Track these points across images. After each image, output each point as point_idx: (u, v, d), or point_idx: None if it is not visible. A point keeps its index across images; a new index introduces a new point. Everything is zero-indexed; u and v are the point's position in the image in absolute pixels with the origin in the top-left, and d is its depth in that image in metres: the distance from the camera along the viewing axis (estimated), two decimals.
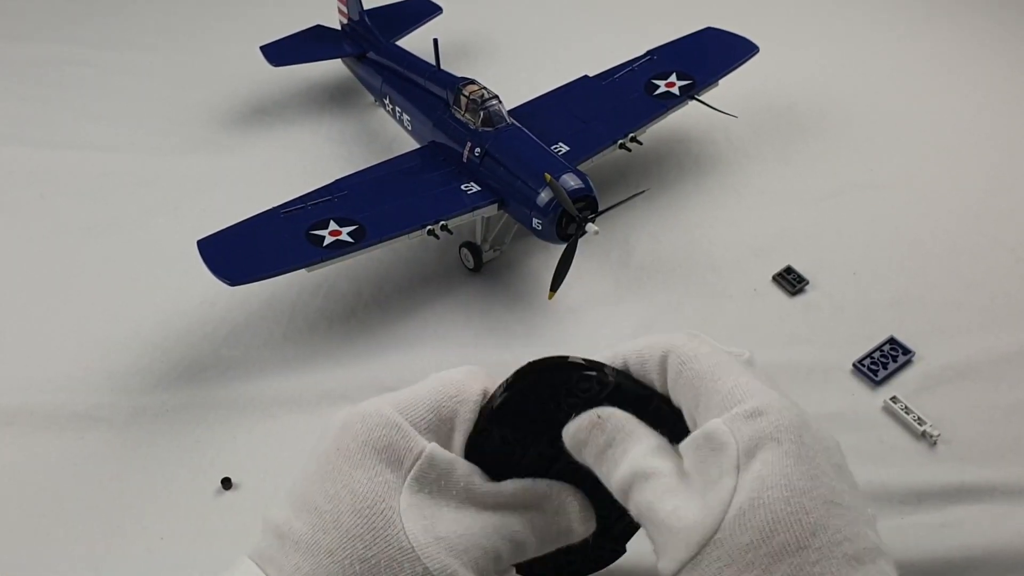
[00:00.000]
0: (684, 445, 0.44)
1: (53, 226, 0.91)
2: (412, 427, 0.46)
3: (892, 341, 0.76)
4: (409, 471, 0.45)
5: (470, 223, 0.81)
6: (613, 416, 0.46)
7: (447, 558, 0.44)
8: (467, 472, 0.47)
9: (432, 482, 0.45)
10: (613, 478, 0.45)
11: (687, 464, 0.44)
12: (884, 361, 0.74)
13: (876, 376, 0.73)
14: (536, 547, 0.48)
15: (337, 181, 0.82)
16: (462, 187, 0.81)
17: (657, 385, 0.47)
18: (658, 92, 0.92)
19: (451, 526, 0.45)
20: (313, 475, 0.46)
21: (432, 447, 0.46)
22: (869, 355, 0.75)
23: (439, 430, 0.47)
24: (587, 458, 0.47)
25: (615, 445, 0.46)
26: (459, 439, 0.48)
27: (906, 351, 0.75)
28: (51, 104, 1.09)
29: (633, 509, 0.44)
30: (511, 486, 0.48)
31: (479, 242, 0.83)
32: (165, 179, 0.97)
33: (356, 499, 0.44)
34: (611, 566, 0.54)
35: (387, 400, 0.47)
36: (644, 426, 0.46)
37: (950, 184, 0.95)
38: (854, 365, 0.74)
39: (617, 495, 0.45)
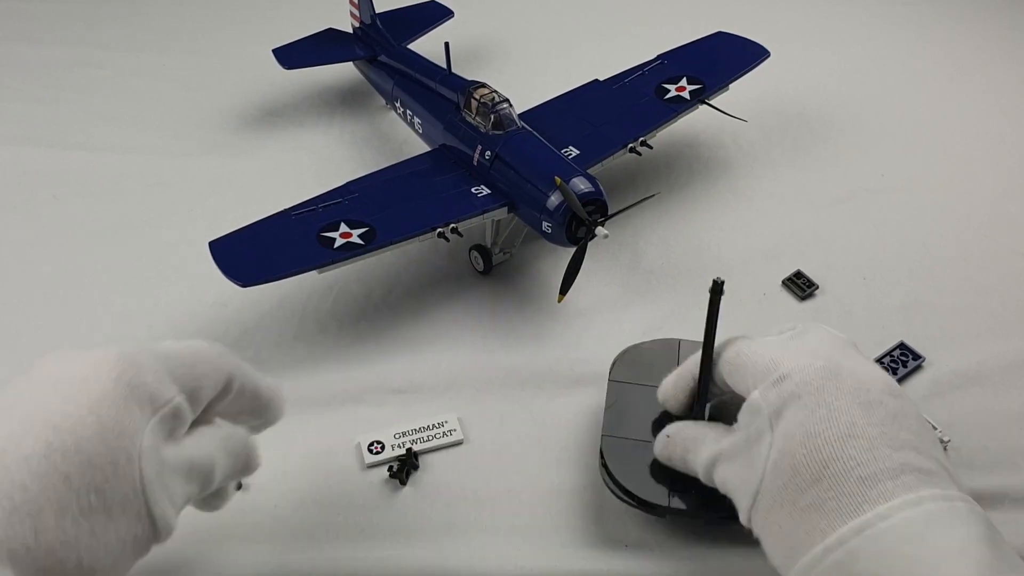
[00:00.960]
0: (739, 417, 0.54)
1: (66, 227, 0.92)
2: (168, 376, 0.48)
3: (902, 346, 0.76)
4: (155, 414, 0.46)
5: (480, 226, 0.82)
6: (678, 431, 0.59)
7: (168, 507, 0.46)
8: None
9: (168, 432, 0.47)
10: (701, 475, 0.56)
11: (741, 434, 0.53)
12: (894, 366, 0.74)
13: None
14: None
15: (348, 183, 0.82)
16: (472, 190, 0.81)
17: (720, 381, 0.58)
18: (668, 96, 0.92)
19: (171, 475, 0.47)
20: (46, 396, 0.44)
21: (182, 399, 0.48)
22: (879, 360, 0.75)
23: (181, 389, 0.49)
24: (679, 465, 0.59)
25: (689, 451, 0.57)
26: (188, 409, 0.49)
27: (916, 356, 0.75)
28: (65, 106, 1.09)
29: (720, 487, 0.55)
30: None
31: (489, 245, 0.84)
32: (178, 181, 0.98)
33: (103, 428, 0.44)
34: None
35: (147, 347, 0.49)
36: (701, 425, 0.59)
37: (961, 189, 0.95)
38: None
39: (710, 484, 0.56)
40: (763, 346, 0.55)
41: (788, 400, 0.50)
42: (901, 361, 0.74)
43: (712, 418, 0.60)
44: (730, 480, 0.54)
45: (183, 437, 0.50)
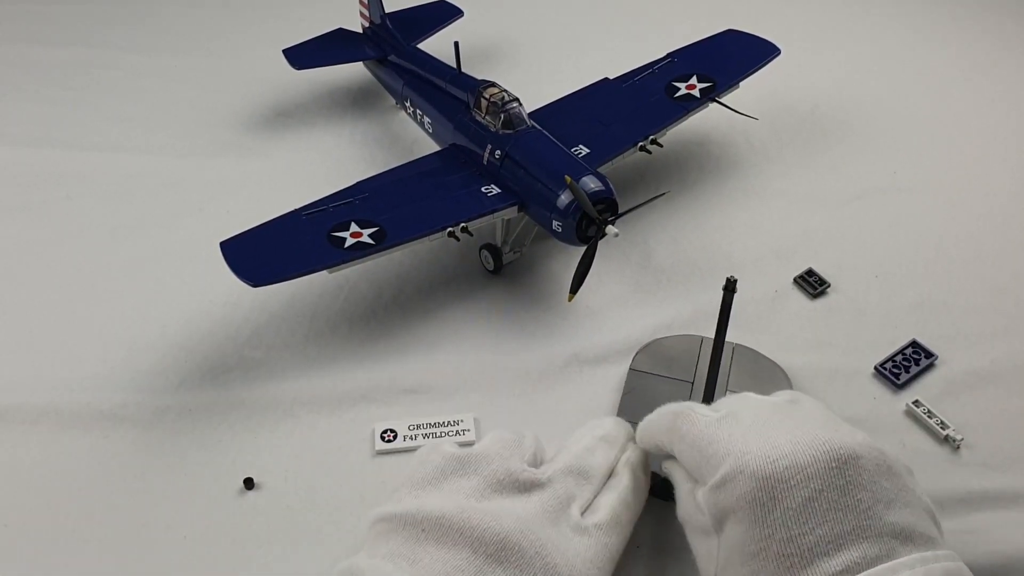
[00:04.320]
0: (686, 510, 0.54)
1: (79, 227, 0.92)
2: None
3: (915, 344, 0.75)
4: None
5: (490, 225, 0.82)
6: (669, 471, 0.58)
7: None
8: None
9: None
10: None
11: (691, 528, 0.53)
12: (906, 364, 0.74)
13: (898, 379, 0.73)
14: None
15: (359, 183, 0.82)
16: (482, 189, 0.81)
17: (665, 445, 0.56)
18: (678, 94, 0.92)
19: None
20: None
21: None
22: (891, 358, 0.74)
23: None
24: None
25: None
26: None
27: (929, 354, 0.74)
28: (78, 106, 1.10)
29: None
30: None
31: (499, 244, 0.84)
32: (190, 181, 0.98)
33: None
34: None
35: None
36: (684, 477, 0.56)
37: (974, 188, 0.94)
38: (876, 368, 0.74)
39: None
40: (707, 426, 0.53)
41: (726, 512, 0.49)
42: (913, 359, 0.74)
43: None
44: (699, 552, 0.53)
45: None
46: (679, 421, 0.54)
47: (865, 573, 0.44)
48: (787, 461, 0.48)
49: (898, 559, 0.45)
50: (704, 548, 0.52)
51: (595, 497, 0.57)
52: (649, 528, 0.62)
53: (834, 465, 0.48)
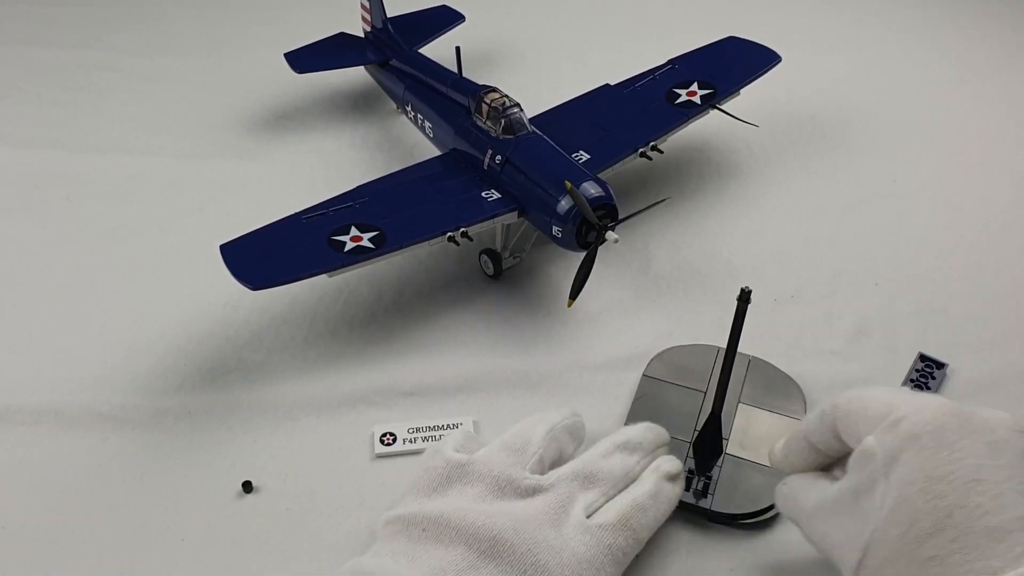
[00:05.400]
0: (848, 465, 0.50)
1: (79, 228, 0.92)
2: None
3: (923, 357, 0.75)
4: None
5: (490, 230, 0.82)
6: (792, 481, 0.56)
7: None
8: None
9: None
10: (803, 531, 0.54)
11: (849, 483, 0.49)
12: (923, 381, 0.73)
13: None
14: None
15: (359, 187, 0.82)
16: (483, 194, 0.81)
17: (832, 436, 0.53)
18: (679, 101, 0.92)
19: None
20: None
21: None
22: (908, 379, 0.73)
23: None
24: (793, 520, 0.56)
25: (796, 502, 0.55)
26: None
27: (940, 364, 0.74)
28: (79, 108, 1.10)
29: (818, 545, 0.52)
30: None
31: (499, 249, 0.84)
32: (190, 183, 0.98)
33: None
34: None
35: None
36: (814, 476, 0.55)
37: (975, 195, 0.94)
38: None
39: (811, 544, 0.53)
40: (878, 392, 0.51)
41: (906, 442, 0.46)
42: (928, 373, 0.73)
43: None
44: (831, 535, 0.50)
45: None
46: (836, 400, 0.52)
47: None
48: (969, 412, 0.47)
49: None
50: (849, 519, 0.48)
51: (607, 501, 0.56)
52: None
53: (1018, 429, 0.47)
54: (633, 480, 0.58)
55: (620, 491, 0.57)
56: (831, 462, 0.55)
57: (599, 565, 0.53)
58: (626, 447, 0.60)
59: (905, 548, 0.44)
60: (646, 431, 0.61)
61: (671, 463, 0.60)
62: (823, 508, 0.51)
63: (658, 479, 0.58)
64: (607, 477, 0.57)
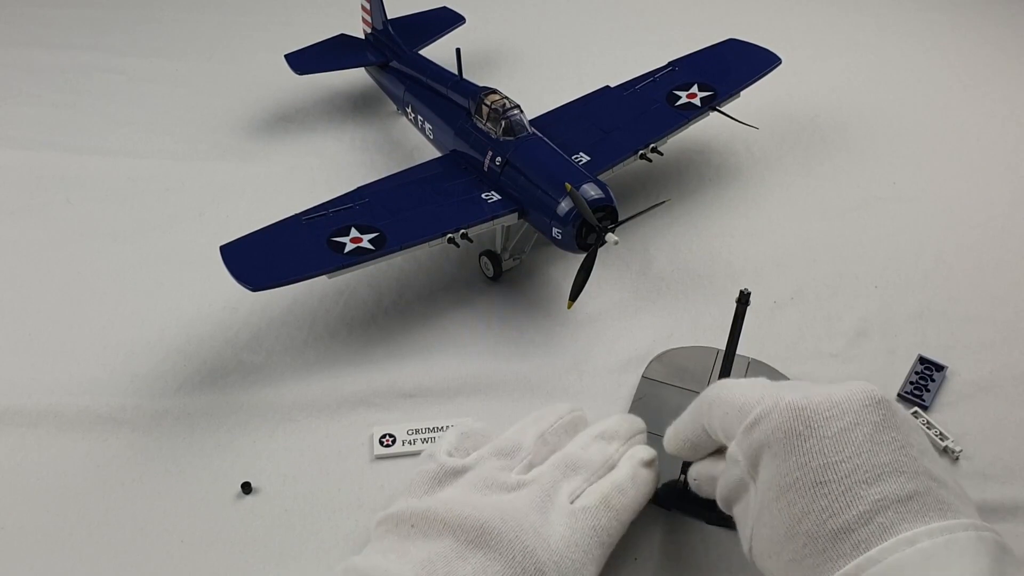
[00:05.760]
0: (726, 464, 0.53)
1: (80, 230, 0.92)
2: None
3: (922, 360, 0.75)
4: None
5: (490, 232, 0.82)
6: (698, 472, 0.59)
7: None
8: None
9: None
10: (724, 510, 0.56)
11: (731, 480, 0.52)
12: (924, 383, 0.73)
13: (924, 400, 0.71)
14: None
15: (359, 188, 0.82)
16: (483, 196, 0.81)
17: (704, 433, 0.56)
18: (679, 103, 0.92)
19: None
20: None
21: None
22: (908, 381, 0.73)
23: None
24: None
25: (710, 487, 0.57)
26: None
27: (939, 367, 0.74)
28: (80, 110, 1.11)
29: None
30: None
31: (499, 251, 0.84)
32: (190, 185, 0.98)
33: None
34: None
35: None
36: (714, 462, 0.57)
37: (974, 197, 0.94)
38: (899, 395, 0.72)
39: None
40: (736, 390, 0.53)
41: (759, 451, 0.49)
42: (927, 376, 0.73)
43: None
44: (738, 518, 0.53)
45: None
46: (712, 391, 0.55)
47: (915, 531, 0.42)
48: (821, 397, 0.48)
49: (952, 519, 0.43)
50: (741, 510, 0.51)
51: (589, 487, 0.58)
52: (650, 537, 0.62)
53: (868, 403, 0.47)
54: (612, 467, 0.60)
55: (601, 477, 0.59)
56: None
57: (586, 547, 0.54)
58: (604, 436, 0.61)
59: (772, 549, 0.48)
60: (622, 421, 0.63)
61: (646, 451, 0.62)
62: (723, 498, 0.54)
63: (635, 464, 0.60)
64: (588, 465, 0.58)
